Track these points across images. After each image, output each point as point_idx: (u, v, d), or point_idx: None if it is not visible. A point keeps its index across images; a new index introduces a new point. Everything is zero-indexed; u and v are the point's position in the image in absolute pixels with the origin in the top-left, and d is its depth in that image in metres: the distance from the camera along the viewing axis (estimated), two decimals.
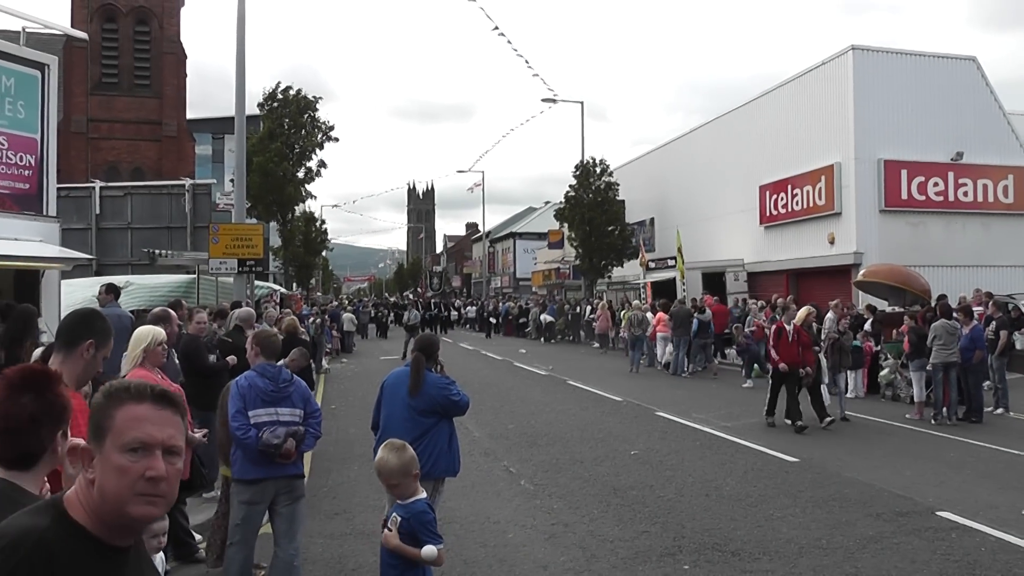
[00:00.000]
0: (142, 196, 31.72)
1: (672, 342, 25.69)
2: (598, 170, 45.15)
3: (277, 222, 38.56)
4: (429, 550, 4.99)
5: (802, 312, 16.27)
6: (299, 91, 37.13)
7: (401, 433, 7.09)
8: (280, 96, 36.90)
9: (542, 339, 42.71)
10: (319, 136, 36.96)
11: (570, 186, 45.61)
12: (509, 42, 50.17)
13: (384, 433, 7.23)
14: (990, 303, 20.04)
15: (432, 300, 55.80)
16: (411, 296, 75.24)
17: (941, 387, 15.98)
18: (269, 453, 6.48)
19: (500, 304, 52.93)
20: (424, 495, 5.28)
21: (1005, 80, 31.41)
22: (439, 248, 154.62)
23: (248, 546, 6.65)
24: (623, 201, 45.14)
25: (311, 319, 27.46)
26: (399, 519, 5.10)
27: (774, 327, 16.34)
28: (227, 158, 47.61)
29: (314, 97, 37.21)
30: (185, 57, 53.57)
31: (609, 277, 46.40)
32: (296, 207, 40.91)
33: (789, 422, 15.01)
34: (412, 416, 7.12)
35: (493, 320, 47.99)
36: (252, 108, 34.30)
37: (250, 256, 20.14)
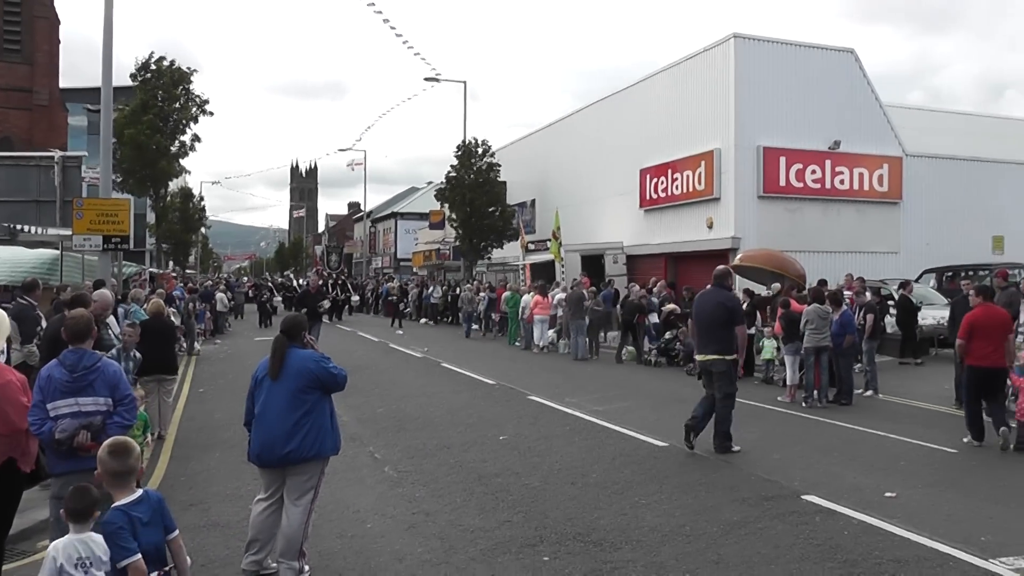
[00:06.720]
0: (8, 167, 30.65)
1: (571, 327, 25.24)
2: (480, 151, 45.00)
3: (150, 197, 37.39)
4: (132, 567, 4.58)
5: None
6: (173, 62, 35.95)
7: (282, 417, 6.73)
8: (153, 67, 35.70)
9: (422, 320, 42.24)
10: (194, 109, 35.90)
11: (451, 167, 45.33)
12: (386, 20, 49.32)
13: (260, 421, 6.88)
14: (863, 288, 20.38)
15: (338, 281, 50.87)
16: (302, 277, 72.06)
17: (812, 371, 16.14)
18: (62, 448, 6.08)
19: (380, 285, 52.11)
20: (122, 502, 4.81)
21: (871, 73, 31.80)
22: (321, 227, 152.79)
23: None
24: (504, 182, 45.04)
25: (183, 299, 26.49)
26: None
27: None
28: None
29: (188, 69, 36.07)
30: (58, 23, 51.61)
31: (489, 258, 46.34)
32: (170, 182, 39.74)
33: None
34: (294, 396, 6.80)
35: (403, 306, 42.03)
36: (125, 79, 33.20)
37: (115, 233, 19.41)
